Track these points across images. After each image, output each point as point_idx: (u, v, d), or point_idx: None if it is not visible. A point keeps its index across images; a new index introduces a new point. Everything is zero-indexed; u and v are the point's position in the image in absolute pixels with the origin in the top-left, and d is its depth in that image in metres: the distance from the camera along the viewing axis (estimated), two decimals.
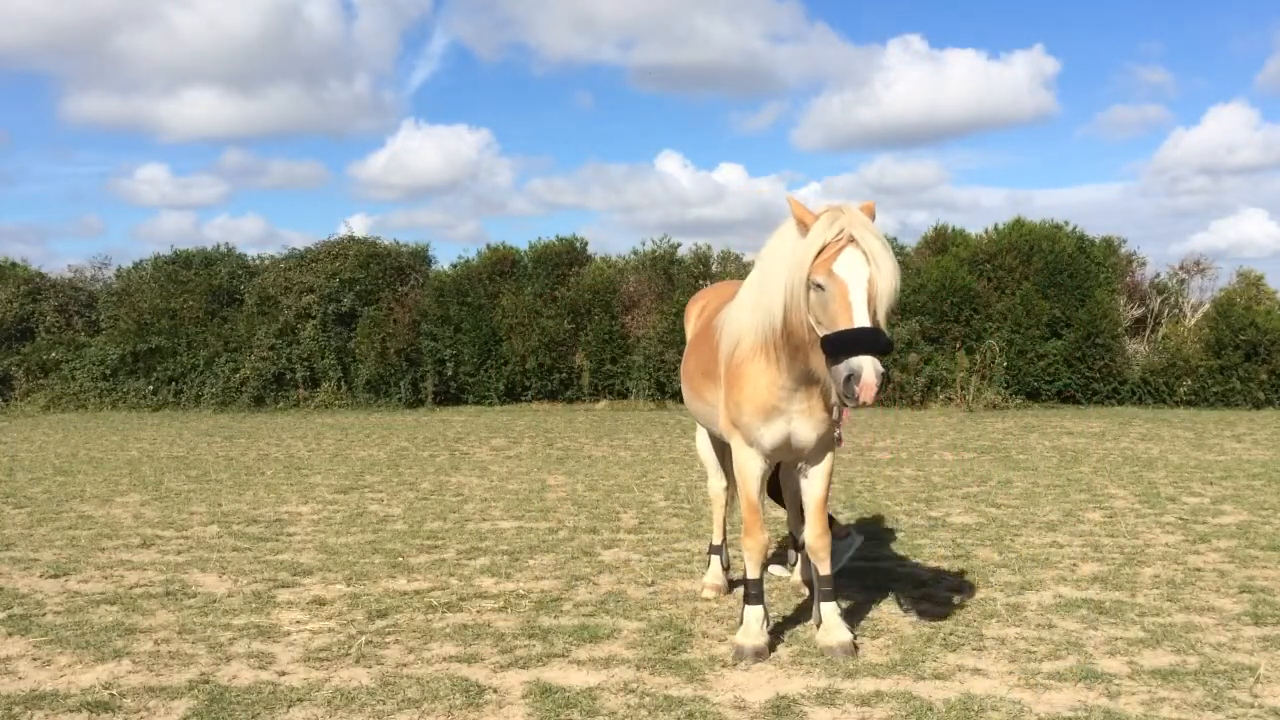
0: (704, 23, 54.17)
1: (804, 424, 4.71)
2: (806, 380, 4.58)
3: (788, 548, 6.63)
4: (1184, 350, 18.81)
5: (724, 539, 6.20)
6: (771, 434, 4.73)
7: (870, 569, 6.43)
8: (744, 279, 5.12)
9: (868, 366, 3.97)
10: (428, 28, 59.57)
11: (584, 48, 56.42)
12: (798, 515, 6.23)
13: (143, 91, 50.67)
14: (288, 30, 48.61)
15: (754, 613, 4.85)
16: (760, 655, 4.74)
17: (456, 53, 60.43)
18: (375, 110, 54.48)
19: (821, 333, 4.14)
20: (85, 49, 51.39)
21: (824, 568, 4.93)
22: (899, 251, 18.53)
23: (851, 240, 4.14)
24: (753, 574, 4.93)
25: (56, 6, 48.00)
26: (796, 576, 6.02)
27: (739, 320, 4.76)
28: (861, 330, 4.02)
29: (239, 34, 46.65)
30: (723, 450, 5.84)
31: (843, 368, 4.02)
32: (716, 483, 6.22)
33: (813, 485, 4.95)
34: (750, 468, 4.90)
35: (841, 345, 4.04)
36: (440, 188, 53.08)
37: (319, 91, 52.53)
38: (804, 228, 4.26)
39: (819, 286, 4.15)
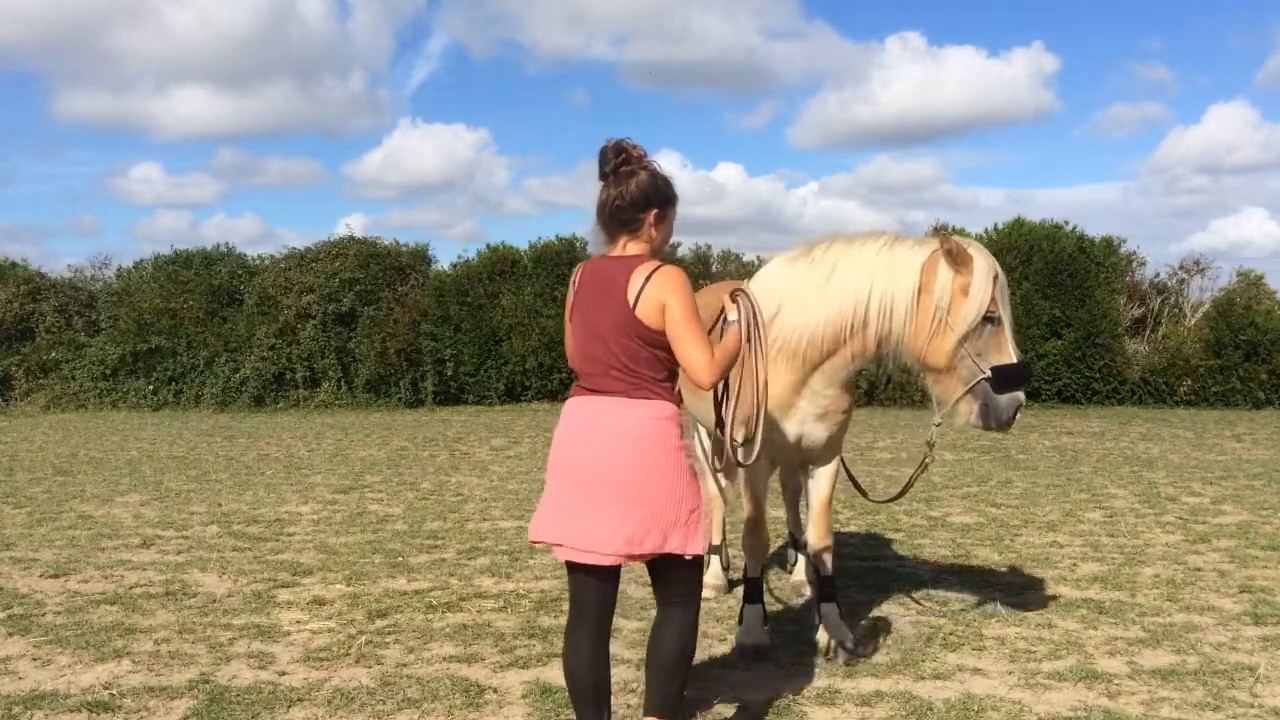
0: (699, 19, 54.04)
1: (816, 426, 4.71)
2: (841, 386, 4.66)
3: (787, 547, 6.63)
4: (1184, 350, 18.81)
5: (724, 539, 6.20)
6: (781, 435, 4.72)
7: (870, 569, 6.43)
8: (743, 278, 5.08)
9: (1022, 399, 4.41)
10: (422, 25, 59.30)
11: (576, 44, 56.29)
12: (797, 515, 6.25)
13: (135, 89, 50.39)
14: (281, 27, 48.49)
15: (754, 612, 4.85)
16: (760, 655, 4.74)
17: (452, 51, 60.24)
18: (371, 108, 54.30)
19: (985, 366, 4.33)
20: (76, 46, 51.16)
21: (825, 568, 4.93)
22: None
23: (996, 278, 4.36)
24: (753, 573, 4.93)
25: (47, 3, 47.83)
26: (799, 576, 6.02)
27: (804, 321, 4.52)
28: (1025, 366, 4.47)
29: (232, 31, 46.46)
30: None
31: (1009, 399, 4.36)
32: (715, 483, 6.21)
33: (818, 486, 4.94)
34: (756, 467, 4.88)
35: (1012, 378, 4.37)
36: (437, 187, 52.95)
37: (314, 89, 52.38)
38: (954, 260, 4.31)
39: (991, 320, 4.33)
